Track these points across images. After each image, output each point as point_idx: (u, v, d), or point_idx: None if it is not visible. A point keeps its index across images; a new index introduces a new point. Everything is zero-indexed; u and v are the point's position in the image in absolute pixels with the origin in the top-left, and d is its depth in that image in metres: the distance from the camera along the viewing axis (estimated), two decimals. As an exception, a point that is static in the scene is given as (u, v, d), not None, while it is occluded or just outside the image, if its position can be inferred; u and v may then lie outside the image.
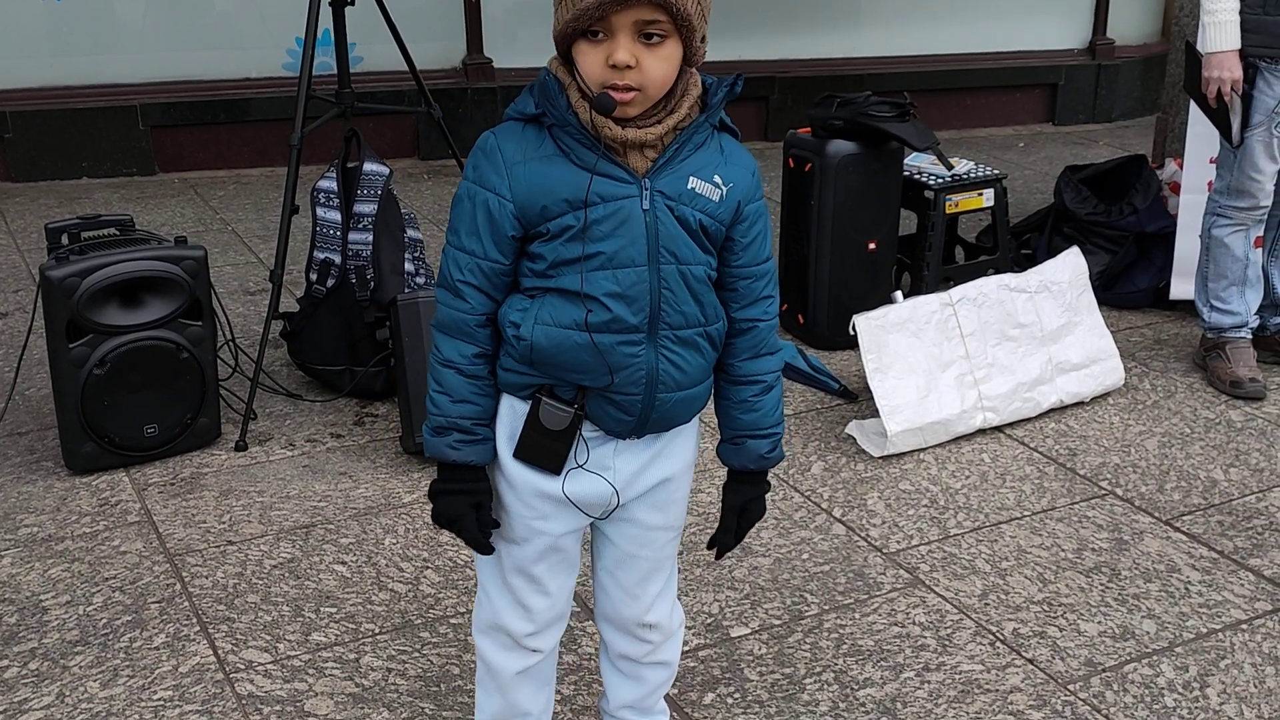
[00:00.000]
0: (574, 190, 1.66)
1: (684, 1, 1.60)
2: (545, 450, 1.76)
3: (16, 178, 5.61)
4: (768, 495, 1.95)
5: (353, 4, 3.51)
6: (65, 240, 3.15)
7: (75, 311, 3.00)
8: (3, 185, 5.58)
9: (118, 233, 3.21)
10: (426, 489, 1.84)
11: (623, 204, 1.67)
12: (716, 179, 1.73)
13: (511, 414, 1.78)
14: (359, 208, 3.47)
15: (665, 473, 1.85)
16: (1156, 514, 3.08)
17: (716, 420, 1.90)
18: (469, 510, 1.79)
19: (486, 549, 1.83)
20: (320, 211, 3.52)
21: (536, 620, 1.90)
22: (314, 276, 3.55)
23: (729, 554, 1.96)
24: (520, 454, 1.77)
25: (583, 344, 1.69)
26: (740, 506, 1.92)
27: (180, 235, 3.23)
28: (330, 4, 3.48)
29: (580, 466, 1.79)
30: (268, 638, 2.54)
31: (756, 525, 1.97)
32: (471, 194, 1.70)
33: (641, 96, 1.64)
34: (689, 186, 1.70)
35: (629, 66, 1.60)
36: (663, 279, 1.70)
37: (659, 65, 1.62)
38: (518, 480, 1.80)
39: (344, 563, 2.80)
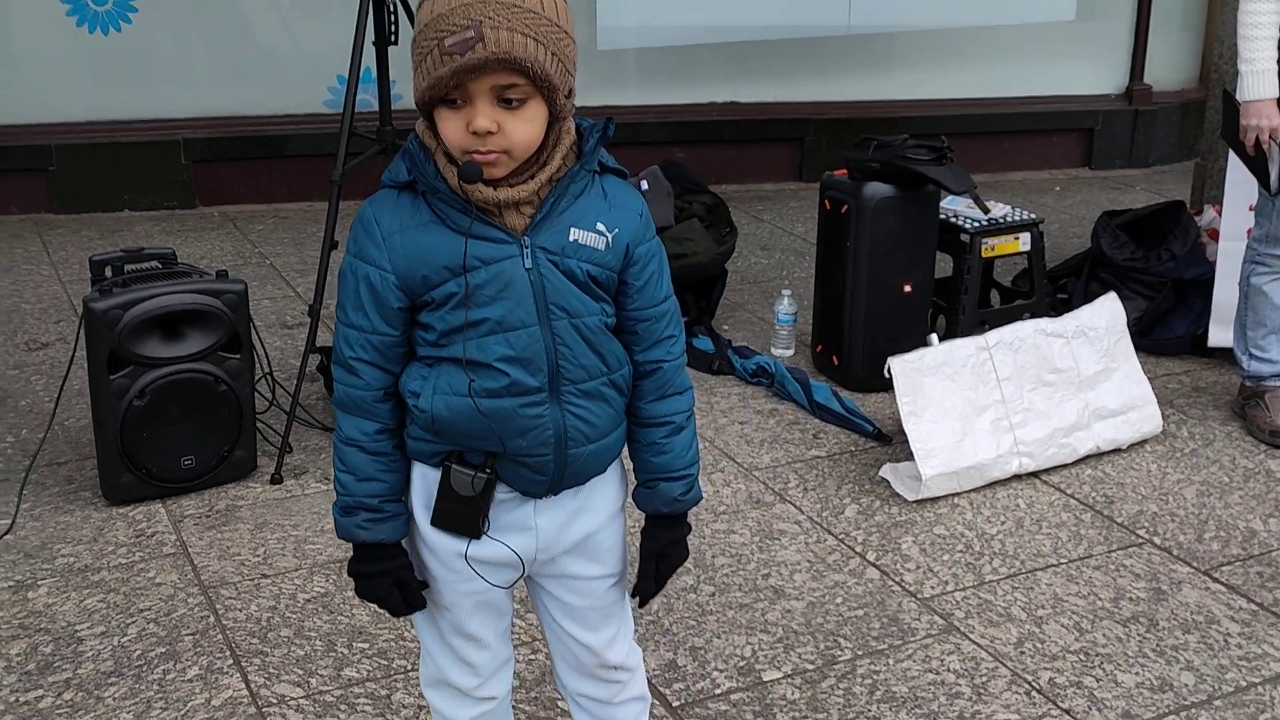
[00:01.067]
0: (452, 257, 1.62)
1: (540, 63, 1.54)
2: (460, 516, 1.73)
3: (59, 209, 5.69)
4: (689, 538, 1.90)
5: (396, 44, 3.55)
6: (109, 273, 3.19)
7: (117, 343, 3.03)
8: (46, 217, 5.66)
9: (160, 266, 3.25)
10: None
11: (503, 265, 1.63)
12: (600, 227, 1.68)
13: (424, 481, 1.75)
14: (398, 244, 3.49)
15: (591, 526, 1.81)
16: (1195, 564, 3.04)
17: (632, 465, 1.86)
18: (391, 589, 1.76)
19: (419, 608, 1.81)
20: (359, 247, 3.55)
21: (482, 673, 1.89)
22: (352, 311, 3.57)
23: (651, 601, 1.92)
24: (437, 522, 1.74)
25: (478, 411, 1.66)
26: (658, 552, 1.86)
27: (221, 269, 3.27)
28: (374, 43, 3.53)
29: (485, 534, 1.75)
30: (300, 672, 2.54)
31: (679, 570, 1.93)
32: (353, 268, 1.67)
33: (507, 158, 1.60)
34: (571, 239, 1.66)
35: (490, 133, 1.57)
36: (556, 336, 1.67)
37: (522, 128, 1.58)
38: (438, 547, 1.77)
39: (377, 598, 2.80)
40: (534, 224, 1.64)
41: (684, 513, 1.86)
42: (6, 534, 3.02)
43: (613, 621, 1.90)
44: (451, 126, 1.58)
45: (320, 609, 2.76)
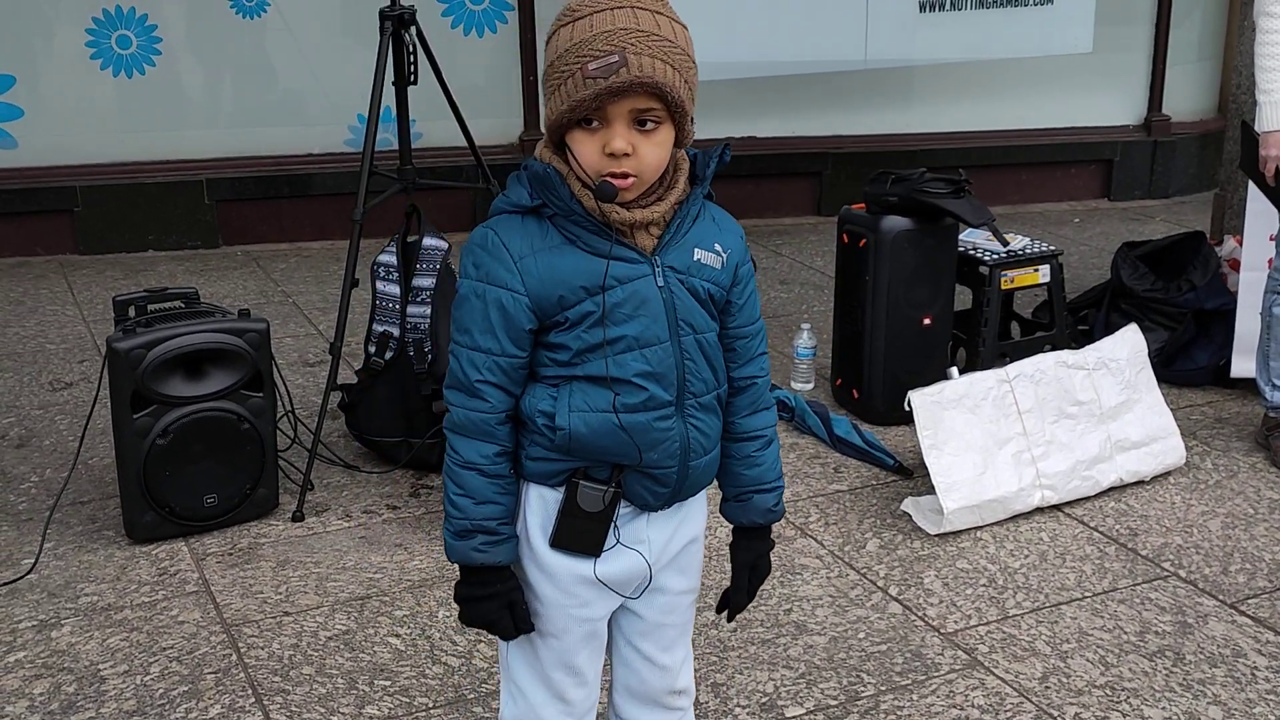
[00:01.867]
0: (589, 277, 1.67)
1: (678, 89, 1.62)
2: (583, 534, 1.76)
3: (84, 250, 5.74)
4: (773, 551, 1.96)
5: (415, 83, 3.58)
6: (132, 312, 3.22)
7: (140, 383, 3.06)
8: (71, 258, 5.72)
9: (183, 305, 3.27)
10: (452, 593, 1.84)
11: (638, 284, 1.69)
12: (717, 247, 1.77)
13: (542, 503, 1.77)
14: (418, 281, 3.52)
15: (689, 535, 1.87)
16: (1221, 597, 3.02)
17: (718, 480, 1.90)
18: (503, 612, 1.77)
19: (527, 630, 1.80)
20: (380, 285, 3.57)
21: (576, 711, 1.88)
22: (373, 349, 3.59)
23: (741, 613, 1.98)
24: (557, 542, 1.76)
25: (619, 426, 1.70)
26: (751, 564, 1.93)
27: (244, 308, 3.29)
28: (393, 83, 3.56)
29: (619, 543, 1.78)
30: (322, 710, 2.54)
31: (766, 581, 1.99)
32: (480, 292, 1.69)
33: (638, 182, 1.66)
34: (695, 258, 1.74)
35: (626, 154, 1.63)
36: (684, 351, 1.73)
37: (654, 151, 1.65)
38: (557, 569, 1.78)
39: (398, 635, 2.80)
40: (662, 244, 1.72)
41: (772, 525, 1.93)
42: (29, 574, 3.04)
43: (684, 641, 1.95)
44: (587, 149, 1.64)
45: (342, 646, 2.76)
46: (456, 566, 1.77)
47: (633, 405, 1.70)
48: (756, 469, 1.88)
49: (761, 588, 1.98)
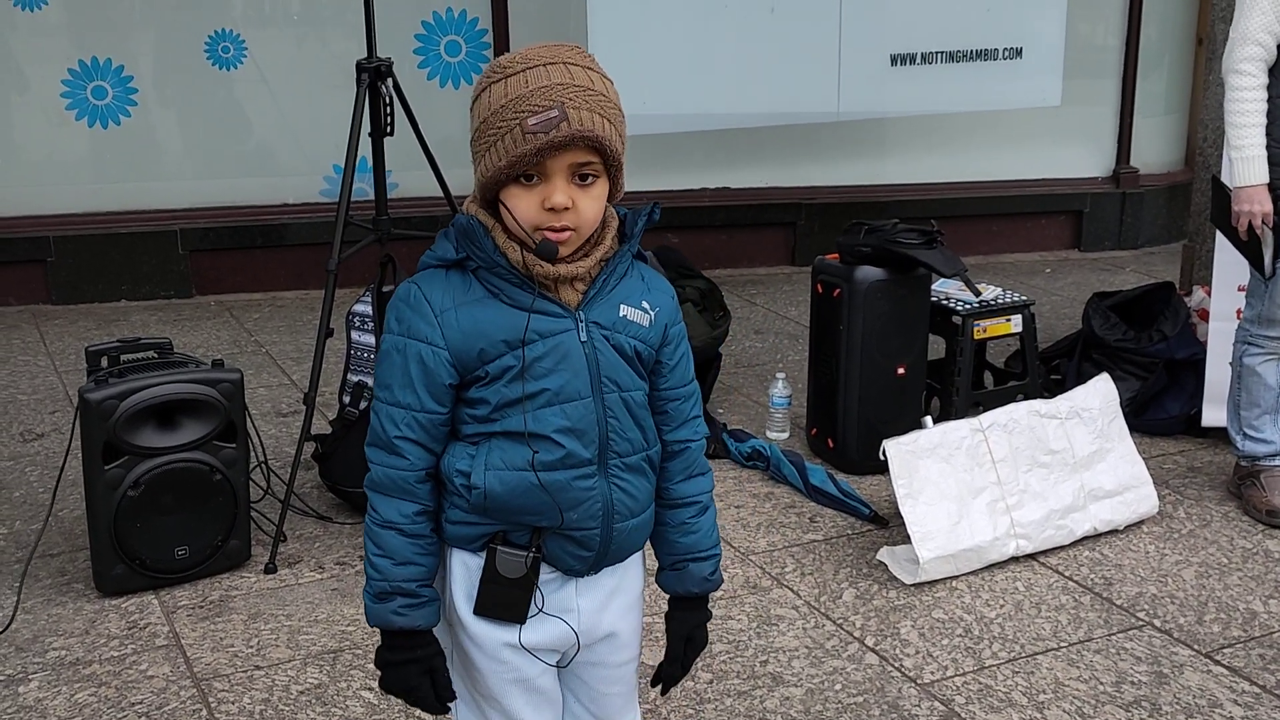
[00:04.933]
0: (510, 331, 1.66)
1: (615, 143, 1.64)
2: (505, 600, 1.72)
3: (57, 300, 5.72)
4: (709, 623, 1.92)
5: (391, 134, 3.60)
6: (105, 363, 3.20)
7: (112, 433, 3.03)
8: (44, 308, 5.68)
9: (156, 355, 3.25)
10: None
11: (561, 338, 1.68)
12: (644, 304, 1.75)
13: (465, 570, 1.74)
14: (393, 332, 3.50)
15: (624, 605, 1.83)
16: (1196, 646, 3.02)
17: (653, 548, 1.87)
18: (422, 679, 1.73)
19: (443, 710, 1.77)
20: (355, 335, 3.57)
21: None
22: (347, 399, 3.58)
23: (676, 685, 1.93)
24: (480, 610, 1.73)
25: (538, 484, 1.67)
26: (687, 635, 1.89)
27: (218, 358, 3.28)
28: (369, 134, 3.57)
29: (541, 611, 1.75)
30: (293, 766, 2.51)
31: (701, 654, 1.95)
32: (401, 347, 1.68)
33: (575, 236, 1.65)
34: (621, 315, 1.72)
35: (566, 209, 1.62)
36: (608, 408, 1.71)
37: (592, 205, 1.65)
38: (483, 638, 1.75)
39: (371, 689, 2.77)
40: (587, 299, 1.70)
41: (709, 594, 1.88)
42: (4, 630, 3.00)
43: (632, 703, 1.92)
44: (526, 203, 1.63)
45: (313, 700, 2.73)
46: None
47: (550, 463, 1.67)
48: (692, 536, 1.84)
49: (716, 649, 1.95)
